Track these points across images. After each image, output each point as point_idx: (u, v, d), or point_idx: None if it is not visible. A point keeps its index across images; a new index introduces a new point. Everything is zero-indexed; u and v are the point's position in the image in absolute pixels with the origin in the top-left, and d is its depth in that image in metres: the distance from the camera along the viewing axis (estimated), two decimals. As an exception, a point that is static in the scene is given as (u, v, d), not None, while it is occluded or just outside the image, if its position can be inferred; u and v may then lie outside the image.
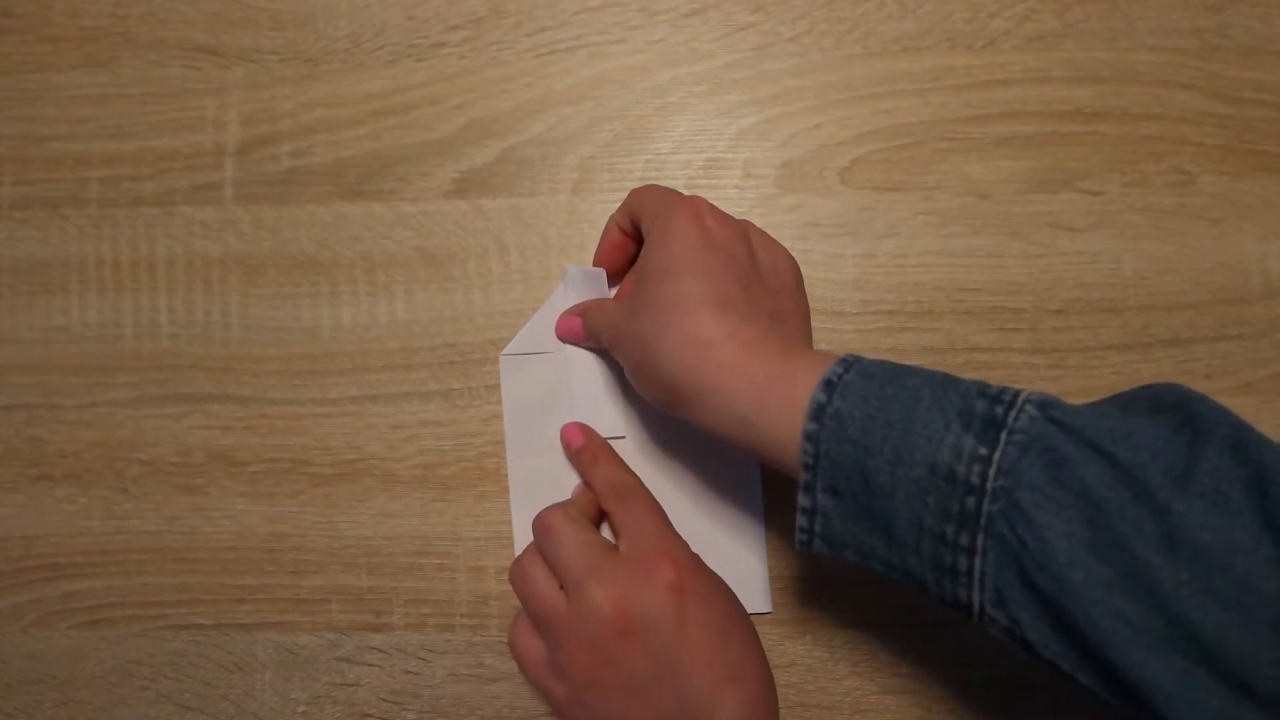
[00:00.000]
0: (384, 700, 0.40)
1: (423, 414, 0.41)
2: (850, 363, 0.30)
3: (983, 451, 0.27)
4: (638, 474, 0.39)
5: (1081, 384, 0.40)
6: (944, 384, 0.29)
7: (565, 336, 0.40)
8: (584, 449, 0.39)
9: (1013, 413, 0.27)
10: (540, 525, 0.36)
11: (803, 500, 0.30)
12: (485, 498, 0.41)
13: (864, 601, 0.39)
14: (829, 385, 0.29)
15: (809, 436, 0.29)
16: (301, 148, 0.43)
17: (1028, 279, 0.40)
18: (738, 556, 0.40)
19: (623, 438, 0.40)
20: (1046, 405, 0.27)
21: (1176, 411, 0.27)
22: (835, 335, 0.40)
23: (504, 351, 0.41)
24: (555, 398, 0.41)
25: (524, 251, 0.42)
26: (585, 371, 0.41)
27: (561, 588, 0.35)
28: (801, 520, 0.30)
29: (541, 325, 0.41)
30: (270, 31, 0.43)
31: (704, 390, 0.31)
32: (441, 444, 0.41)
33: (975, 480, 0.27)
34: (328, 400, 0.41)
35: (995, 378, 0.39)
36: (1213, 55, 0.41)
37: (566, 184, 0.42)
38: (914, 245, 0.41)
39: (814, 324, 0.40)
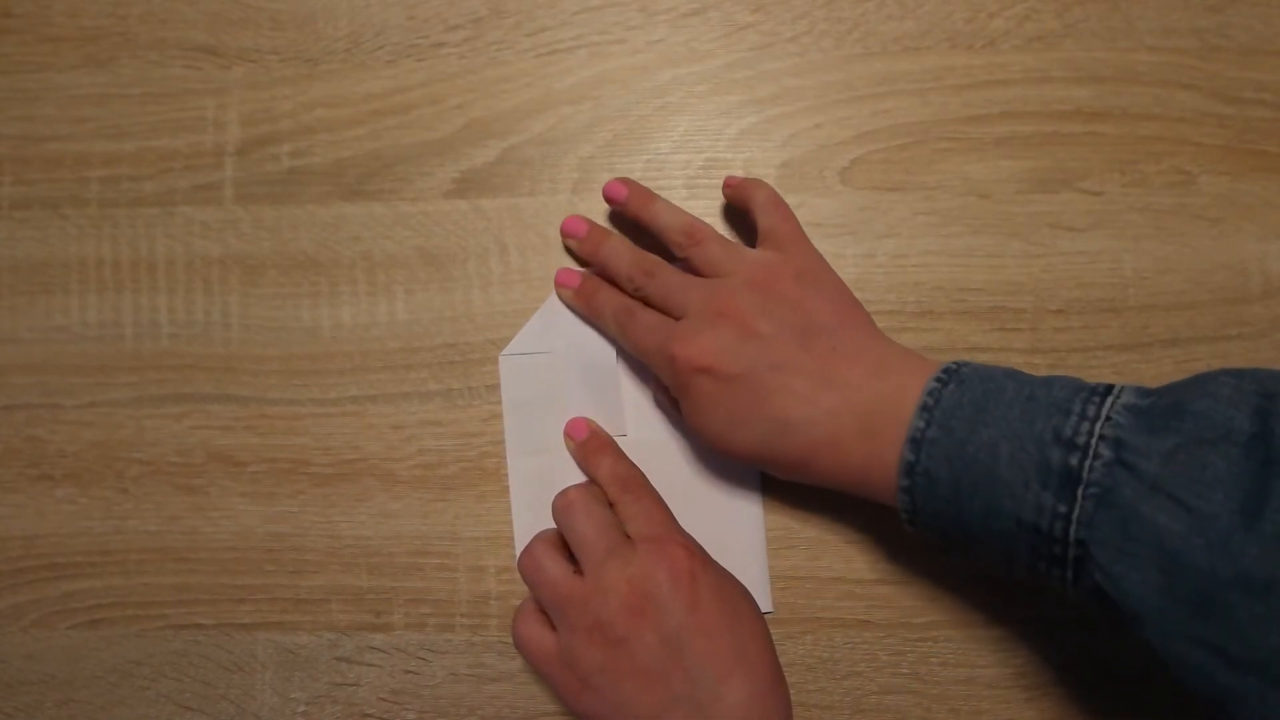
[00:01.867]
0: (384, 700, 0.40)
1: (423, 414, 0.41)
2: (929, 416, 0.32)
3: (1061, 509, 0.29)
4: (638, 474, 0.39)
5: (1081, 384, 0.40)
6: (1020, 432, 0.30)
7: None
8: (588, 441, 0.40)
9: (1087, 462, 0.28)
10: (565, 503, 0.36)
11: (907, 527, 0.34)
12: (485, 498, 0.41)
13: (864, 601, 0.39)
14: (915, 444, 0.32)
15: (905, 490, 0.32)
16: (301, 148, 0.43)
17: (1028, 279, 0.40)
18: (738, 556, 0.40)
19: (624, 436, 0.40)
20: (1121, 445, 0.28)
21: (1256, 419, 0.27)
22: (835, 335, 0.40)
23: (503, 352, 0.41)
24: (555, 398, 0.41)
25: (524, 251, 0.42)
26: (585, 371, 0.41)
27: (575, 571, 0.35)
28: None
29: (541, 325, 0.41)
30: (270, 31, 0.43)
31: (809, 460, 0.35)
32: (441, 444, 0.41)
33: (1058, 534, 0.29)
34: (328, 400, 0.41)
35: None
36: (1213, 55, 0.41)
37: (566, 184, 0.42)
38: (914, 245, 0.41)
39: (814, 324, 0.41)
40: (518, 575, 0.40)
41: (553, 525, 0.38)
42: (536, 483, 0.40)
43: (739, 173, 0.42)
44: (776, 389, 0.34)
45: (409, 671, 0.40)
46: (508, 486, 0.41)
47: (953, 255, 0.41)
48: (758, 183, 0.39)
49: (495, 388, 0.41)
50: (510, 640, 0.40)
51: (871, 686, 0.39)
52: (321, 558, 0.41)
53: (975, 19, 0.42)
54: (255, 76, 0.43)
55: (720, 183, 0.42)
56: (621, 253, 0.39)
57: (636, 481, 0.38)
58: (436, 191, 0.42)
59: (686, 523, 0.39)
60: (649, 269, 0.38)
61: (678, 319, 0.37)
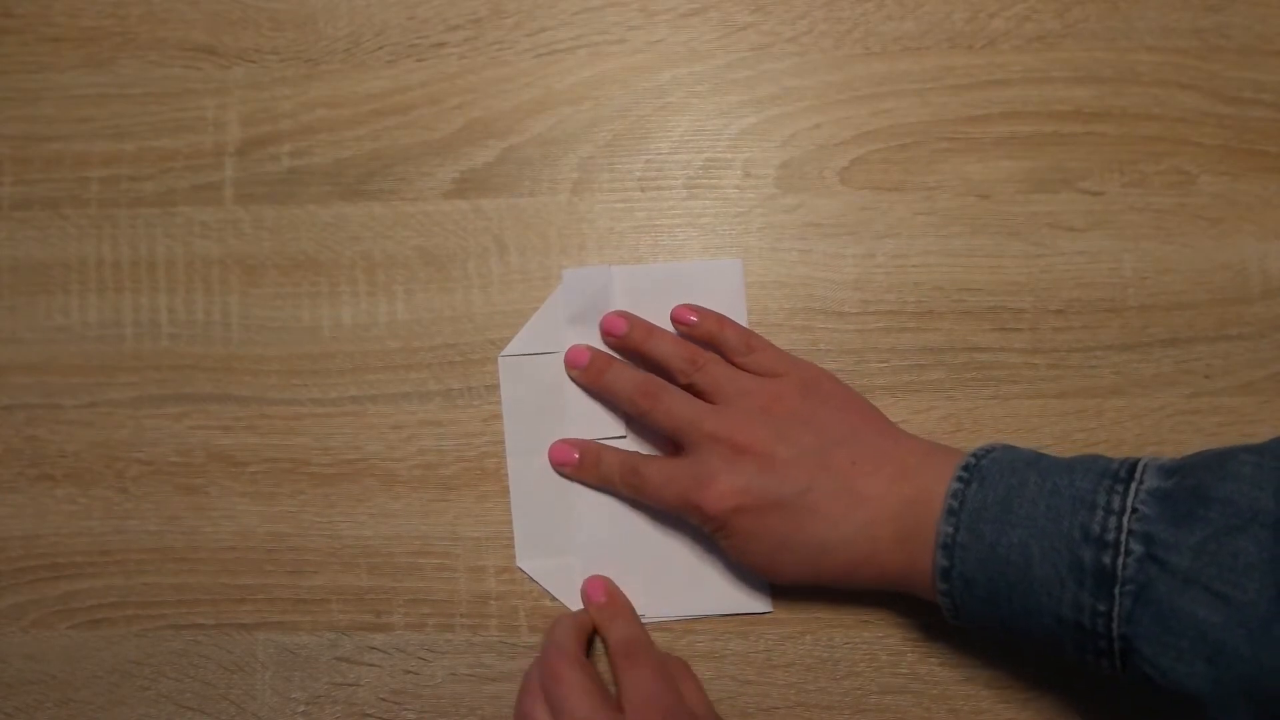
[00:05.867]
0: (384, 700, 0.40)
1: (423, 414, 0.41)
2: (956, 520, 0.32)
3: (1101, 608, 0.29)
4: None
5: (1081, 384, 0.40)
6: (1049, 531, 0.30)
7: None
8: (606, 605, 0.39)
9: (1120, 559, 0.28)
10: (550, 673, 0.35)
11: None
12: (485, 498, 0.41)
13: (864, 601, 0.39)
14: (947, 549, 0.32)
15: (944, 594, 0.33)
16: (301, 148, 0.43)
17: (1028, 279, 0.40)
18: (738, 556, 0.40)
19: (623, 437, 0.40)
20: (1150, 540, 0.28)
21: None
22: (835, 335, 0.40)
23: (503, 353, 0.41)
24: (555, 398, 0.41)
25: (524, 251, 0.42)
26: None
27: None
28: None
29: (541, 326, 0.41)
30: (270, 31, 0.43)
31: (852, 575, 0.36)
32: (441, 444, 0.41)
33: (1101, 630, 0.29)
34: (328, 400, 0.41)
35: (995, 378, 0.40)
36: (1213, 55, 0.41)
37: (566, 184, 0.42)
38: (914, 245, 0.41)
39: (815, 324, 0.40)
40: (518, 575, 0.40)
41: (551, 525, 0.38)
42: (536, 483, 0.40)
43: (739, 172, 0.42)
44: (808, 514, 0.35)
45: (409, 671, 0.40)
46: (508, 486, 0.41)
47: (953, 255, 0.41)
48: (719, 321, 0.39)
49: (495, 388, 0.41)
50: (510, 640, 0.40)
51: (871, 686, 0.39)
52: (321, 558, 0.41)
53: (975, 19, 0.42)
54: (255, 76, 0.43)
55: (720, 182, 0.42)
56: (627, 377, 0.39)
57: (640, 647, 0.37)
58: (436, 191, 0.42)
59: (685, 525, 0.39)
60: (652, 392, 0.38)
61: (688, 449, 0.37)
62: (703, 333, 0.39)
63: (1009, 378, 0.40)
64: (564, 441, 0.40)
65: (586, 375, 0.40)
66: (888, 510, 0.34)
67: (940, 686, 0.39)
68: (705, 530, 0.38)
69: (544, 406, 0.41)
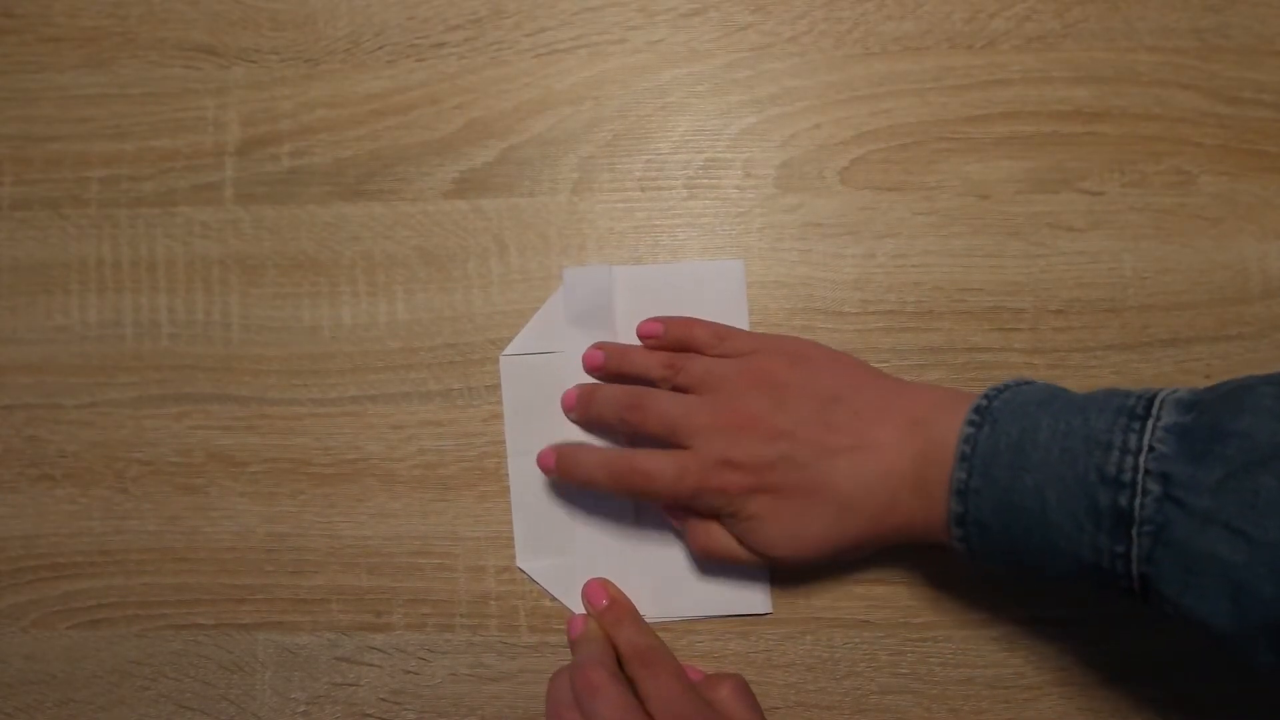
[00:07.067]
0: (384, 700, 0.40)
1: (423, 414, 0.41)
2: (969, 465, 0.31)
3: (1119, 549, 0.28)
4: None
5: (1081, 384, 0.40)
6: (1063, 474, 0.29)
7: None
8: (608, 610, 0.39)
9: (1137, 500, 0.28)
10: (585, 684, 0.34)
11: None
12: (485, 498, 0.41)
13: (864, 601, 0.39)
14: (961, 495, 0.32)
15: (960, 540, 0.32)
16: (301, 148, 0.43)
17: (1028, 279, 0.40)
18: (738, 556, 0.40)
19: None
20: (1168, 480, 0.28)
21: None
22: (836, 335, 0.40)
23: (504, 353, 0.41)
24: (555, 398, 0.41)
25: (524, 251, 0.42)
26: (585, 372, 0.41)
27: None
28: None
29: (541, 326, 0.41)
30: (270, 31, 0.43)
31: (877, 529, 0.35)
32: (441, 444, 0.41)
33: (1120, 570, 0.29)
34: (328, 400, 0.41)
35: (995, 378, 0.39)
36: (1213, 55, 0.41)
37: (566, 184, 0.42)
38: (914, 245, 0.41)
39: (815, 324, 0.40)
40: (518, 575, 0.40)
41: (551, 525, 0.38)
42: (536, 483, 0.40)
43: (739, 172, 0.42)
44: (825, 475, 0.35)
45: (409, 671, 0.40)
46: (508, 486, 0.41)
47: (953, 255, 0.41)
48: (687, 324, 0.39)
49: (495, 388, 0.41)
50: (510, 640, 0.40)
51: (871, 686, 0.39)
52: (321, 558, 0.41)
53: (975, 19, 0.42)
54: (255, 76, 0.43)
55: (720, 182, 0.42)
56: (610, 397, 0.39)
57: (655, 654, 0.37)
58: (436, 191, 0.42)
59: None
60: (637, 403, 0.37)
61: (688, 444, 0.36)
62: (672, 339, 0.39)
63: (1009, 377, 0.40)
64: (553, 450, 0.39)
65: (578, 412, 0.40)
66: (904, 457, 0.34)
67: (940, 686, 0.39)
68: (725, 519, 0.37)
69: (545, 406, 0.41)
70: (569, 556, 0.40)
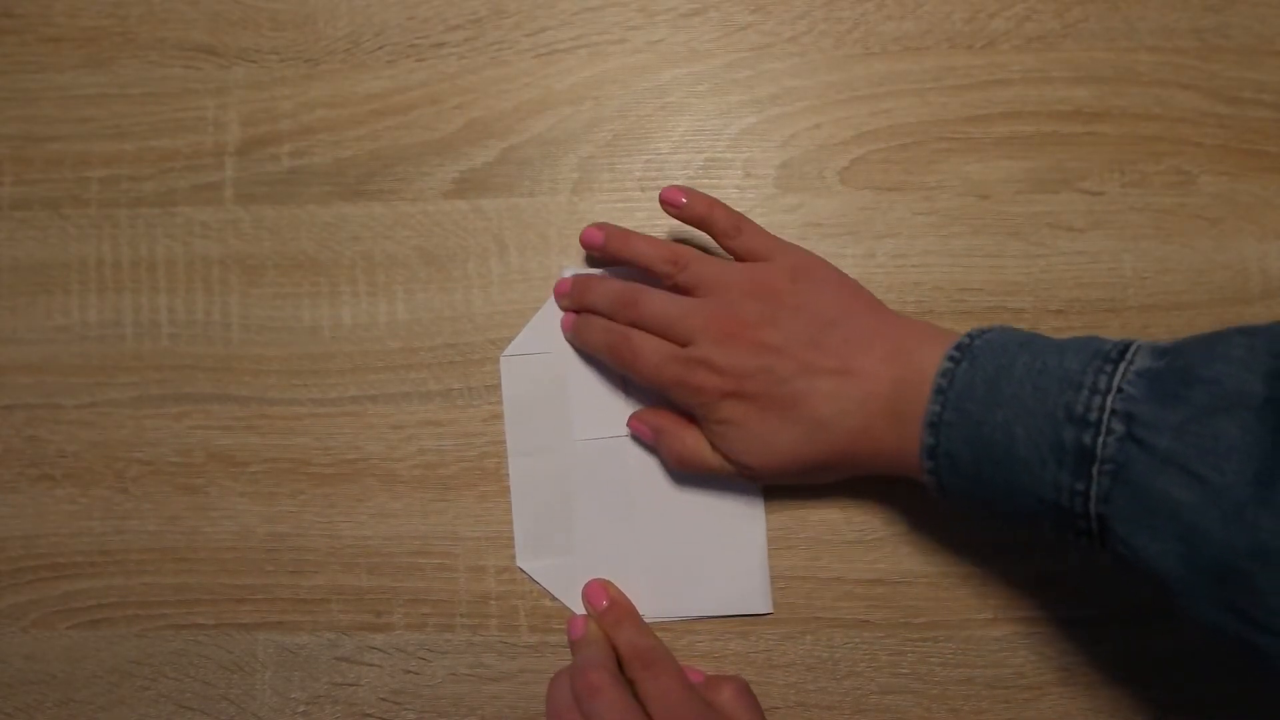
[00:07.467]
0: (384, 700, 0.40)
1: (423, 414, 0.41)
2: (944, 398, 0.32)
3: (1079, 487, 0.29)
4: (638, 474, 0.39)
5: (1081, 384, 0.40)
6: (1034, 410, 0.30)
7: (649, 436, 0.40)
8: (608, 611, 0.39)
9: (1100, 439, 0.28)
10: (587, 686, 0.35)
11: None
12: (485, 498, 0.41)
13: (864, 601, 0.39)
14: (934, 427, 0.32)
15: (930, 472, 0.33)
16: (301, 148, 0.43)
17: (1028, 279, 0.40)
18: (738, 556, 0.40)
19: (624, 435, 0.40)
20: (1132, 420, 0.28)
21: (1269, 383, 0.26)
22: (835, 335, 0.40)
23: (504, 353, 0.41)
24: (555, 398, 0.41)
25: (524, 251, 0.42)
26: (585, 372, 0.41)
27: None
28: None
29: (541, 326, 0.41)
30: (270, 31, 0.43)
31: (848, 452, 0.35)
32: (441, 444, 0.41)
33: (1079, 510, 0.29)
34: (328, 400, 0.41)
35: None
36: (1213, 55, 0.41)
37: (566, 184, 0.42)
38: (914, 245, 0.41)
39: (814, 324, 0.40)
40: (518, 575, 0.40)
41: (551, 525, 0.38)
42: (536, 483, 0.41)
43: (739, 172, 0.42)
44: (803, 393, 0.35)
45: (409, 671, 0.40)
46: (508, 486, 0.41)
47: (953, 255, 0.41)
48: (709, 204, 0.38)
49: (495, 388, 0.41)
50: (510, 640, 0.40)
51: (871, 686, 0.39)
52: (321, 558, 0.41)
53: (975, 19, 0.42)
54: (255, 76, 0.43)
55: (720, 182, 0.42)
56: (606, 290, 0.39)
57: (656, 655, 0.37)
58: (436, 191, 0.42)
59: (686, 524, 0.39)
60: (632, 299, 0.38)
61: (683, 345, 0.37)
62: (692, 215, 0.39)
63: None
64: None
65: (571, 298, 0.40)
66: (882, 386, 0.34)
67: (940, 686, 0.39)
68: (699, 419, 0.37)
69: (545, 406, 0.41)
70: (569, 556, 0.40)
